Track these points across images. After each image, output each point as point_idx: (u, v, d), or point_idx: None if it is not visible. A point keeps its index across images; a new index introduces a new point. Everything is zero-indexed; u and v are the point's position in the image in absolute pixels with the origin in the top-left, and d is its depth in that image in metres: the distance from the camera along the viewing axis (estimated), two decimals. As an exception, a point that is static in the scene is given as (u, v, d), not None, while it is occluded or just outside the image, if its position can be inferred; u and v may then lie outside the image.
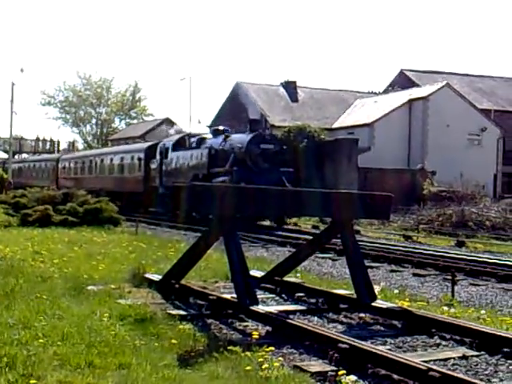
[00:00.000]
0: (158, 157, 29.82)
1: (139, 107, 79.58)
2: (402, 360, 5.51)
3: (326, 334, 6.38)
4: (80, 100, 77.57)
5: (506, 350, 6.21)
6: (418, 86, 45.96)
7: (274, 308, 7.83)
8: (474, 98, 44.99)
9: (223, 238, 7.98)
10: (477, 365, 5.89)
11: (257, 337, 6.31)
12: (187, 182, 21.64)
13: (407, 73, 50.99)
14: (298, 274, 10.47)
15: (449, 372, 5.26)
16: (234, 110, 46.40)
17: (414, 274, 12.15)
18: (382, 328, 7.35)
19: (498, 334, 6.57)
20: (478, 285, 11.05)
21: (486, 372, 5.69)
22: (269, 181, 21.01)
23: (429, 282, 11.42)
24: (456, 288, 9.80)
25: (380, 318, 7.63)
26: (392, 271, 12.53)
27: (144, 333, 6.52)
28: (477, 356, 6.13)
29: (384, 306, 7.82)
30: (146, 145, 34.58)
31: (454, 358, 6.03)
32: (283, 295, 9.03)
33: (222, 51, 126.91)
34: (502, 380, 5.49)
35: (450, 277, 10.09)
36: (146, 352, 5.83)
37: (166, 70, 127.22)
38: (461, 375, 5.30)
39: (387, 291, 9.63)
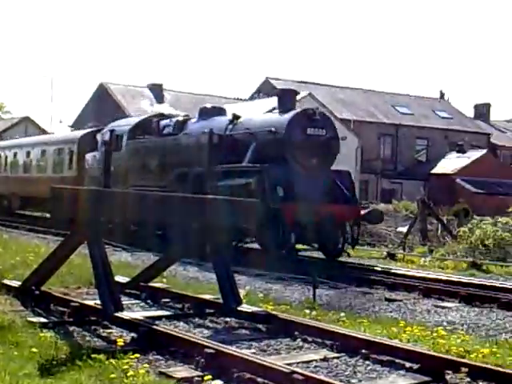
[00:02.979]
0: (101, 149, 20.71)
1: (-4, 104, 76.03)
2: (266, 363, 5.62)
3: (192, 339, 6.39)
4: None
5: (364, 351, 6.47)
6: (282, 94, 47.00)
7: (139, 314, 7.73)
8: (334, 108, 46.63)
9: (87, 243, 7.80)
10: (337, 366, 6.12)
11: (122, 344, 6.21)
12: (165, 183, 16.76)
13: (272, 81, 52.08)
14: (164, 279, 10.40)
15: (311, 374, 5.44)
16: (98, 111, 45.47)
17: (278, 278, 12.41)
18: (247, 332, 7.47)
19: (357, 335, 6.86)
20: (338, 288, 11.46)
21: (346, 373, 5.92)
22: (319, 185, 14.94)
23: (292, 285, 11.70)
24: (317, 291, 10.10)
25: (245, 322, 7.75)
26: (256, 275, 12.73)
27: (2, 341, 6.26)
28: (337, 358, 6.37)
29: (249, 310, 7.94)
30: (80, 133, 25.78)
31: (316, 360, 6.23)
32: (149, 301, 8.94)
33: (86, 51, 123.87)
34: (360, 380, 5.73)
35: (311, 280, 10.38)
36: (4, 361, 5.60)
37: (26, 68, 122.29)
38: (322, 377, 5.49)
39: (252, 295, 9.78)
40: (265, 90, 50.67)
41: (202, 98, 50.50)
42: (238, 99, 53.16)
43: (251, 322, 7.72)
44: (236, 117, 16.77)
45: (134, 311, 8.12)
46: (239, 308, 8.00)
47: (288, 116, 15.37)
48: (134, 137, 19.45)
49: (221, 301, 8.25)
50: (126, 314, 7.30)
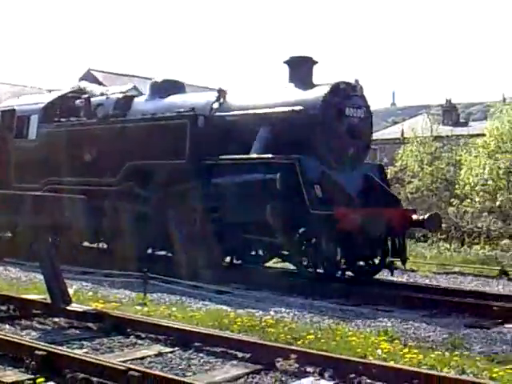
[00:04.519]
0: None
1: None
2: (99, 362, 5.55)
3: (21, 341, 6.16)
4: None
5: (197, 344, 6.61)
6: (104, 85, 46.07)
7: (-41, 318, 7.31)
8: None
9: None
10: (172, 361, 6.18)
11: None
12: (112, 179, 13.14)
13: (94, 73, 50.81)
14: (-16, 281, 9.90)
15: (147, 370, 5.44)
16: None
17: (107, 275, 12.20)
18: (78, 331, 7.31)
19: (189, 329, 6.98)
20: (169, 282, 11.49)
21: (181, 367, 5.99)
22: (358, 183, 11.83)
23: (120, 282, 11.57)
24: (148, 287, 10.09)
25: (76, 322, 7.58)
26: (84, 273, 12.44)
27: None
28: (171, 352, 6.43)
29: (79, 309, 7.76)
30: None
31: (150, 356, 6.25)
32: (-31, 304, 8.45)
33: None
34: (195, 373, 5.82)
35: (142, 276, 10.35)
36: None
37: None
38: (158, 372, 5.52)
39: (80, 294, 9.57)
40: (88, 81, 49.43)
41: (22, 89, 48.26)
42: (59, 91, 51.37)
43: (82, 321, 7.56)
44: (223, 93, 12.71)
45: (-46, 316, 7.66)
46: (68, 307, 7.80)
47: (321, 91, 11.57)
48: (50, 119, 15.09)
49: (49, 301, 8.00)
50: None
